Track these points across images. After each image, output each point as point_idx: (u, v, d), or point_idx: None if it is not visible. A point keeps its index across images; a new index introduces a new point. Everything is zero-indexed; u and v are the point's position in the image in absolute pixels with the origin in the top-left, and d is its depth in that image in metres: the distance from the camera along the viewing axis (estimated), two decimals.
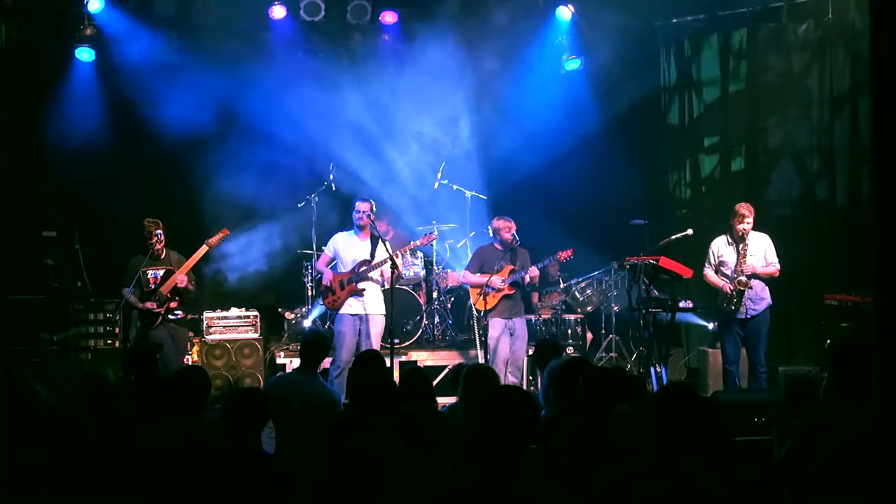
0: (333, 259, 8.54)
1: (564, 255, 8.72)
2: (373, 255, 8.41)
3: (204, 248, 8.28)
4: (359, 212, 8.37)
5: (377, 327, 8.42)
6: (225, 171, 9.98)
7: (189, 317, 9.81)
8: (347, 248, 8.49)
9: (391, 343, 8.39)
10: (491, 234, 8.92)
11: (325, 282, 8.41)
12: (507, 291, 8.61)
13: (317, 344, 5.98)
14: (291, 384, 5.87)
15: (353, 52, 10.34)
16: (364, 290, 8.35)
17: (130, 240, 8.51)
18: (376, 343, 8.32)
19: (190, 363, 9.25)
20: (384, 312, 8.49)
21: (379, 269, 8.35)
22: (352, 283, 8.33)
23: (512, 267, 8.67)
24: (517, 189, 10.40)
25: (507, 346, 8.59)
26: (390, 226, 10.50)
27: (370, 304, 8.39)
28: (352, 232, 8.55)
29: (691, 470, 3.38)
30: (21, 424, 4.41)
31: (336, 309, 8.39)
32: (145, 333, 8.04)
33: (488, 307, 8.57)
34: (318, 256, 9.01)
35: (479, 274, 8.67)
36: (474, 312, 9.10)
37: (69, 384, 8.86)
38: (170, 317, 8.14)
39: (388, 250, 8.28)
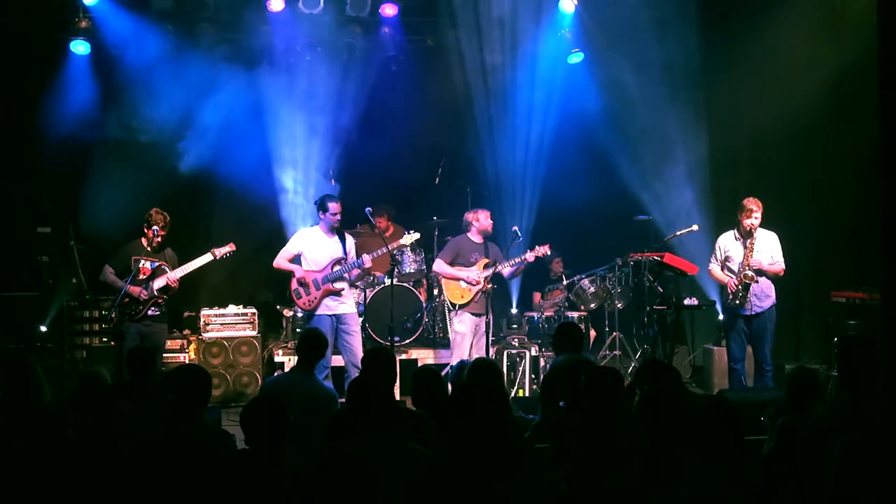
0: (296, 256, 8.31)
1: (541, 250, 8.51)
2: (345, 253, 8.25)
3: (208, 257, 8.14)
4: (335, 214, 8.16)
5: (357, 324, 8.31)
6: (222, 165, 9.87)
7: (186, 314, 9.77)
8: (317, 246, 8.25)
9: (391, 341, 8.26)
10: (466, 227, 8.73)
11: (298, 276, 8.16)
12: (485, 286, 8.49)
13: (315, 342, 5.88)
14: (290, 384, 5.80)
15: (353, 45, 10.18)
16: (342, 289, 8.20)
17: (126, 236, 8.39)
18: (360, 340, 8.22)
19: (186, 361, 9.21)
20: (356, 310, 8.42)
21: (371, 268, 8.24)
22: (327, 282, 8.13)
23: (487, 260, 8.54)
24: (519, 183, 10.26)
25: (469, 344, 8.48)
26: (390, 222, 10.39)
27: (347, 303, 8.26)
28: (317, 228, 8.33)
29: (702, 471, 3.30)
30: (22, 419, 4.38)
31: (312, 310, 8.16)
32: (119, 331, 7.88)
33: (463, 301, 8.48)
34: None
35: (453, 266, 8.56)
36: (447, 306, 8.90)
37: (64, 382, 8.84)
38: (149, 313, 7.99)
39: (387, 246, 8.17)
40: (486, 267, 8.52)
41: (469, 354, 8.41)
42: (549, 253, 8.57)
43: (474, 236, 8.68)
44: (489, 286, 8.54)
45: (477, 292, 8.48)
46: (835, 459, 3.27)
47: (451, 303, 8.71)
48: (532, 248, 8.50)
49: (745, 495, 3.46)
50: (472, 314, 8.54)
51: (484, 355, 8.55)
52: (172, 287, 8.00)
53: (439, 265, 8.70)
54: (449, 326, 8.81)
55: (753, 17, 9.86)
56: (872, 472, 3.18)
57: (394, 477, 3.74)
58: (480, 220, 8.64)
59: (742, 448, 3.66)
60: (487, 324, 8.52)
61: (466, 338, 8.48)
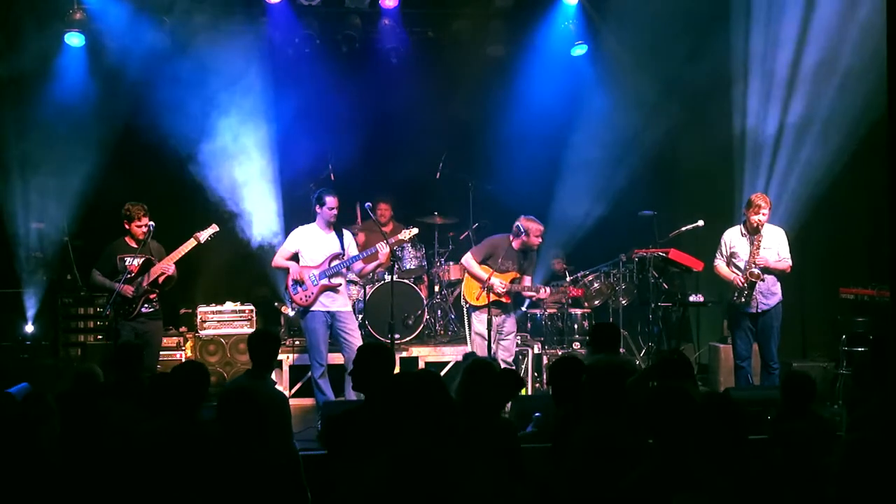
0: (294, 254, 8.15)
1: (574, 292, 8.76)
2: (342, 249, 8.10)
3: (192, 242, 8.02)
4: (332, 209, 8.01)
5: (353, 321, 8.15)
6: (220, 159, 9.74)
7: (183, 311, 9.65)
8: (315, 242, 8.09)
9: (391, 338, 8.10)
10: (516, 232, 8.35)
11: (294, 275, 8.01)
12: (503, 300, 8.33)
13: (268, 344, 5.73)
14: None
15: (352, 37, 10.04)
16: (340, 284, 8.07)
17: (122, 232, 8.27)
18: (359, 339, 8.06)
19: (183, 359, 9.12)
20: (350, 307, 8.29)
21: (376, 262, 8.06)
22: (324, 278, 7.97)
23: (516, 275, 8.35)
24: (521, 178, 10.09)
25: (488, 342, 8.25)
26: (392, 215, 10.28)
27: (343, 300, 8.12)
28: (313, 225, 8.15)
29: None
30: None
31: (308, 306, 7.99)
32: (114, 328, 7.79)
33: (480, 304, 8.29)
34: None
35: (483, 266, 8.33)
36: (462, 302, 8.71)
37: (59, 381, 8.71)
38: (143, 310, 7.87)
39: (387, 241, 8.04)
40: (512, 282, 8.33)
41: (495, 352, 8.24)
42: (580, 296, 8.95)
43: (515, 242, 8.37)
44: (507, 300, 8.40)
45: (493, 298, 8.26)
46: (839, 459, 3.22)
47: (465, 300, 8.49)
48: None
49: (746, 496, 3.33)
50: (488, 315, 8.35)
51: (512, 353, 8.57)
52: (169, 275, 7.89)
53: (468, 260, 8.43)
54: (467, 326, 8.56)
55: (764, 8, 9.70)
56: (877, 471, 3.13)
57: None
58: (530, 236, 8.27)
59: (743, 447, 3.53)
60: (489, 321, 8.33)
61: (485, 337, 8.28)
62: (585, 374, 4.51)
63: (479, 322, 8.33)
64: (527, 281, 8.46)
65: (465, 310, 8.77)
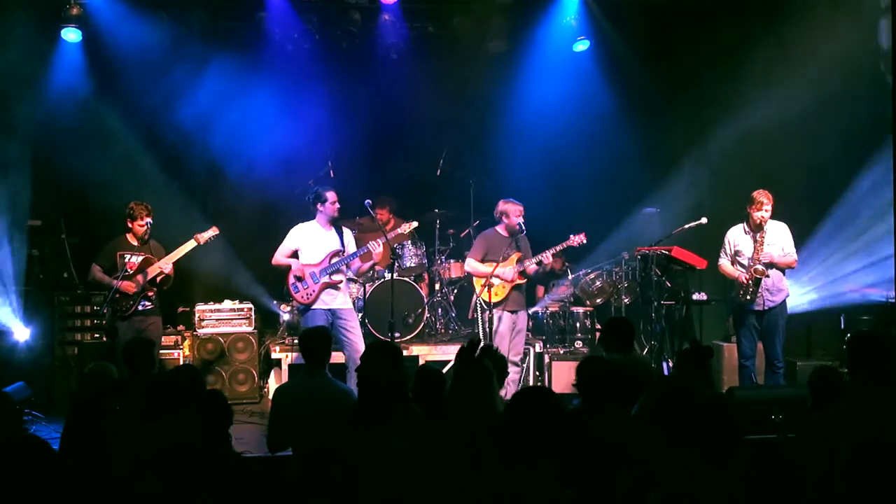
0: (294, 252, 8.08)
1: (577, 239, 8.29)
2: (342, 245, 8.03)
3: (192, 243, 7.99)
4: (334, 203, 7.95)
5: (355, 319, 8.08)
6: (218, 157, 9.66)
7: (181, 309, 9.57)
8: (315, 239, 8.01)
9: (391, 337, 8.02)
10: (497, 218, 8.39)
11: (295, 272, 7.93)
12: (518, 281, 8.24)
13: (320, 340, 5.67)
14: (303, 389, 5.59)
15: (352, 32, 9.96)
16: (341, 281, 7.99)
17: (119, 230, 8.20)
18: (361, 335, 8.01)
19: (181, 358, 9.11)
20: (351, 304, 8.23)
21: (371, 261, 8.03)
22: (325, 275, 7.90)
23: (519, 255, 8.27)
24: (522, 176, 10.01)
25: (508, 342, 8.21)
26: (392, 214, 10.19)
27: (344, 298, 8.05)
28: (313, 223, 8.07)
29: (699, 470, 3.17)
30: None
31: (309, 304, 7.92)
32: (112, 327, 7.74)
33: (497, 299, 8.17)
34: None
35: (485, 263, 8.25)
36: (480, 305, 8.56)
37: (55, 380, 8.65)
38: (139, 308, 7.83)
39: (387, 239, 8.01)
40: (518, 262, 8.25)
41: (507, 353, 8.10)
42: (584, 242, 8.35)
43: (503, 230, 8.34)
44: (522, 281, 8.32)
45: (510, 289, 8.21)
46: (842, 460, 3.12)
47: (484, 302, 8.32)
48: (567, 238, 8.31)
49: (737, 495, 3.26)
50: (509, 311, 8.26)
51: (521, 353, 8.50)
52: (167, 275, 7.86)
53: (470, 264, 8.35)
54: (486, 327, 8.43)
55: (766, 6, 9.63)
56: (882, 473, 3.04)
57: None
58: (511, 217, 8.24)
59: (737, 447, 3.46)
60: (489, 319, 8.22)
61: (505, 337, 8.19)
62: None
63: (499, 323, 8.23)
64: (527, 260, 8.34)
65: (480, 310, 8.52)
